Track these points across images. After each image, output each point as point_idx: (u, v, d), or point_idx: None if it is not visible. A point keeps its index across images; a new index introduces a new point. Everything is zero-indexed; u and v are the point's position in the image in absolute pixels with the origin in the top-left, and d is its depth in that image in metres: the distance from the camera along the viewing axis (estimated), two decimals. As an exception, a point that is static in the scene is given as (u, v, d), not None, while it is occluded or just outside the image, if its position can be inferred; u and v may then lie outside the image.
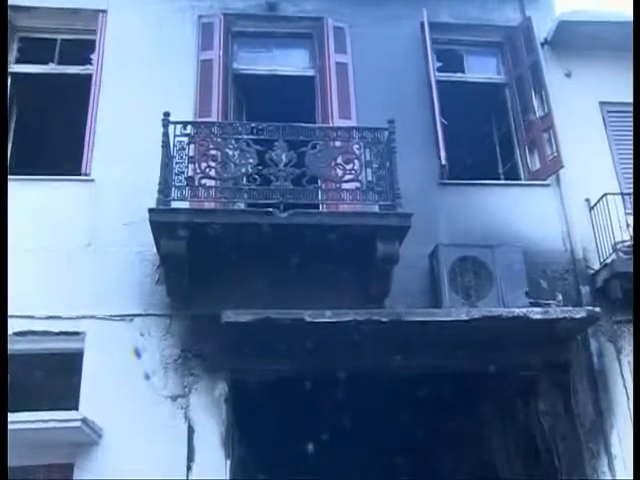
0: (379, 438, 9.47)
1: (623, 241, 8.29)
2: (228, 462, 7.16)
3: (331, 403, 8.16)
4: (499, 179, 9.55)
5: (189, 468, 7.06)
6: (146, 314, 7.52)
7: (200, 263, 7.25)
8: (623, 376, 8.07)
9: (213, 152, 7.35)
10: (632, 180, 8.60)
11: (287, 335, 7.06)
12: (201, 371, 7.36)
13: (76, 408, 6.96)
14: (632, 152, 8.62)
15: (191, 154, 7.29)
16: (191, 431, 7.18)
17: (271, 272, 7.42)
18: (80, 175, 8.15)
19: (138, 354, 7.27)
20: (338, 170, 7.45)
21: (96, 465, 6.90)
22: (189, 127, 7.39)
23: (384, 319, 7.10)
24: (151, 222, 6.95)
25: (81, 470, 6.89)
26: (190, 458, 7.09)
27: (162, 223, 6.96)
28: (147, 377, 7.26)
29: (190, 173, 7.24)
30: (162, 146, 7.16)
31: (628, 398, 7.95)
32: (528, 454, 8.60)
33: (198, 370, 7.37)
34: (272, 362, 7.31)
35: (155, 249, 7.35)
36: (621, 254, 8.22)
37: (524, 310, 7.46)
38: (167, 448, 7.06)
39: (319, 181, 7.53)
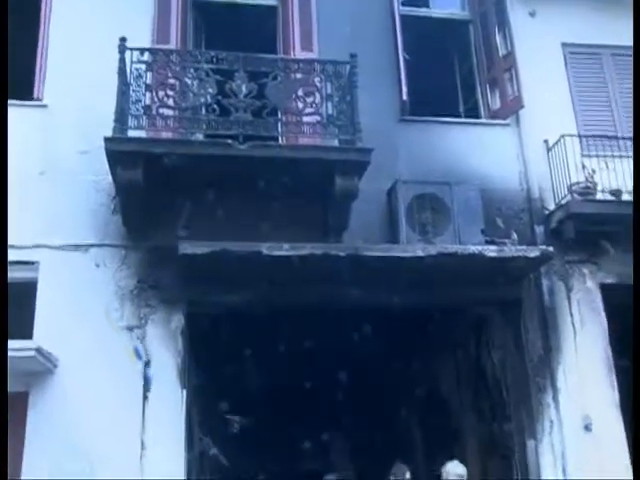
0: (332, 370, 9.62)
1: (578, 182, 8.41)
2: (184, 392, 7.22)
3: (286, 335, 8.26)
4: (460, 117, 9.53)
5: (145, 398, 7.11)
6: (101, 244, 7.43)
7: (157, 194, 7.14)
8: (572, 314, 8.29)
9: (171, 81, 7.18)
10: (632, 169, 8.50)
11: (244, 267, 7.06)
12: (157, 302, 7.35)
13: (31, 338, 6.91)
14: (632, 146, 8.54)
15: (148, 82, 7.11)
16: (147, 362, 7.20)
17: (229, 204, 7.38)
18: (32, 100, 7.90)
19: (138, 355, 7.21)
20: (299, 103, 7.36)
21: (51, 394, 6.92)
22: (146, 54, 7.19)
23: (341, 253, 7.13)
24: (107, 151, 6.81)
25: (36, 398, 6.90)
26: (146, 388, 7.14)
27: (118, 152, 6.82)
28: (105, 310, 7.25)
29: (147, 102, 7.07)
30: (118, 73, 6.96)
31: (575, 335, 8.20)
32: (478, 387, 8.86)
33: (154, 301, 7.36)
34: (229, 294, 7.31)
35: (111, 178, 7.22)
36: (576, 195, 8.35)
37: (479, 248, 7.57)
38: (123, 378, 7.09)
39: (279, 113, 7.44)
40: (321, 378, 9.70)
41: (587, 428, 7.82)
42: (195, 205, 7.41)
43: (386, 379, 9.99)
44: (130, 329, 7.26)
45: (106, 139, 6.74)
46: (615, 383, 8.05)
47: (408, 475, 6.89)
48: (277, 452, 10.11)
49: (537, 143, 8.78)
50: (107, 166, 7.04)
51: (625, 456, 7.76)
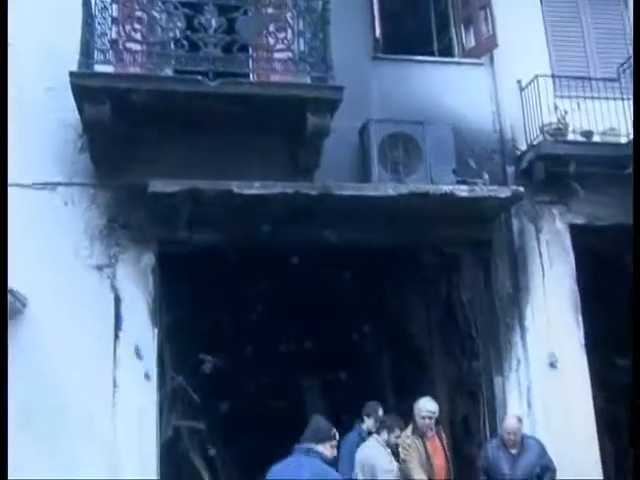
0: (303, 309, 9.68)
1: (550, 123, 8.40)
2: (156, 330, 7.26)
3: (258, 274, 8.27)
4: (433, 56, 9.42)
5: (116, 337, 7.12)
6: (70, 183, 7.32)
7: (125, 131, 7.01)
8: (541, 254, 8.39)
9: (138, 14, 6.99)
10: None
11: (215, 206, 7.02)
12: (127, 241, 7.30)
13: (-2, 277, 6.85)
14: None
15: (115, 15, 6.91)
16: (118, 300, 7.20)
17: (200, 142, 7.29)
18: (-4, 37, 7.65)
19: (139, 355, 7.15)
20: (270, 39, 7.21)
21: (21, 333, 6.87)
22: (111, -16, 6.96)
23: (312, 192, 7.11)
24: (72, 86, 6.64)
25: (5, 337, 6.87)
26: (117, 327, 7.15)
27: (84, 87, 6.66)
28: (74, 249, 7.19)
29: (114, 36, 6.89)
30: (82, 4, 6.75)
31: (544, 275, 8.31)
32: (448, 326, 9.00)
33: (124, 240, 7.30)
34: (200, 233, 7.30)
35: (78, 115, 7.06)
36: (547, 136, 8.35)
37: (451, 188, 7.59)
38: (94, 317, 7.09)
39: (250, 49, 7.30)
40: (292, 317, 9.78)
41: (552, 365, 8.00)
42: (165, 143, 7.29)
43: (357, 318, 10.10)
44: (100, 268, 7.22)
45: (71, 74, 6.57)
46: (581, 322, 8.22)
47: (381, 412, 7.01)
48: (248, 390, 10.22)
49: (511, 83, 8.73)
50: (74, 103, 6.87)
51: (587, 392, 7.98)
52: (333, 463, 4.93)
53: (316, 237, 7.52)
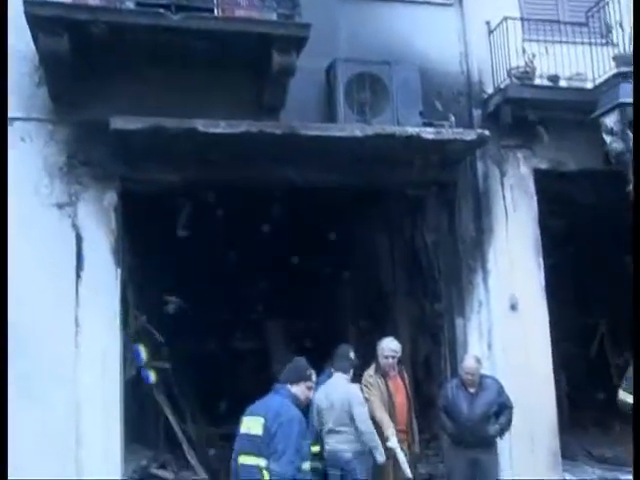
0: (268, 251, 9.68)
1: (518, 67, 8.35)
2: (119, 270, 7.17)
3: (222, 214, 8.20)
4: (402, -5, 9.26)
5: (78, 277, 7.04)
6: (27, 118, 7.09)
7: (85, 65, 6.80)
8: (505, 198, 8.42)
9: (99, -59, 6.71)
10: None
11: (179, 145, 6.90)
12: (89, 179, 7.14)
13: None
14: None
15: (72, -58, 6.63)
16: (80, 240, 7.08)
17: (163, 79, 7.11)
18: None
19: (138, 359, 7.11)
20: (235, -28, 7.01)
21: (-20, 273, 6.76)
22: None
23: (278, 132, 7.01)
24: (26, 15, 6.36)
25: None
26: (79, 267, 7.05)
27: (39, 17, 6.39)
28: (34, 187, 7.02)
29: (72, -37, 6.61)
30: None
31: (507, 219, 8.37)
32: (412, 269, 9.08)
33: (86, 178, 7.14)
34: (163, 172, 7.18)
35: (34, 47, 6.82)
36: (515, 80, 8.31)
37: (417, 130, 7.54)
38: (55, 257, 6.99)
39: (215, -17, 7.08)
40: (257, 259, 9.77)
41: (513, 307, 8.12)
42: (126, 78, 7.08)
43: (321, 260, 10.13)
44: (60, 206, 7.07)
45: (25, 2, 6.29)
46: (542, 265, 8.33)
47: (352, 355, 7.05)
48: (212, 332, 10.28)
49: (479, 25, 8.60)
50: (29, 34, 6.62)
51: (546, 333, 8.15)
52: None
53: (281, 177, 7.46)
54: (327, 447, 6.43)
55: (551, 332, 8.18)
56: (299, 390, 4.77)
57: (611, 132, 7.41)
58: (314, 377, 5.18)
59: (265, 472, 4.52)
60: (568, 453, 8.85)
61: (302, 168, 7.37)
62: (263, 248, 9.52)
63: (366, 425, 6.36)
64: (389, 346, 6.94)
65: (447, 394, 7.10)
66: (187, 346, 9.68)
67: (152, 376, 8.46)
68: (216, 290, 10.05)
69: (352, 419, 6.33)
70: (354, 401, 6.39)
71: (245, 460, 4.57)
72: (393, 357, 6.90)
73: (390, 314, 9.46)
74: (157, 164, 7.12)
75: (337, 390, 6.53)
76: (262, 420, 4.59)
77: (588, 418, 10.88)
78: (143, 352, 8.13)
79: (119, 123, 6.66)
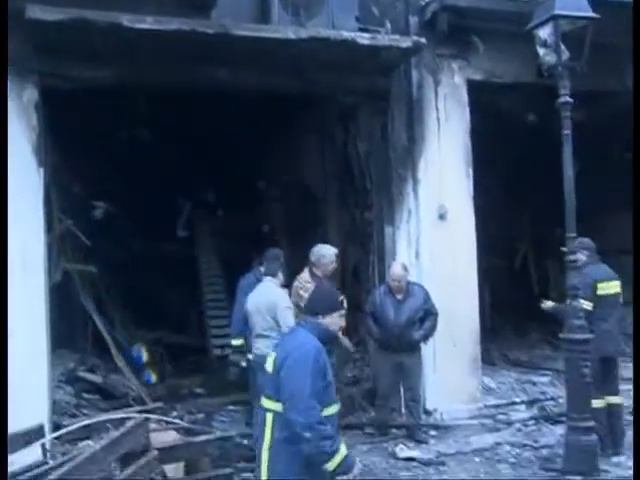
0: (200, 153, 9.49)
1: (455, -27, 8.18)
2: (41, 170, 6.90)
3: (150, 116, 7.95)
4: None
5: (0, 177, 6.73)
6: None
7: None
8: (437, 108, 8.38)
9: None
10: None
11: (104, 41, 6.55)
12: (6, 73, 6.76)
13: None
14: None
15: None
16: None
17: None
18: None
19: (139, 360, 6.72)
20: None
21: None
22: None
23: (209, 31, 6.72)
24: None
25: None
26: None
27: None
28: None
29: None
30: None
31: (439, 129, 8.36)
32: (343, 177, 9.08)
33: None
34: (87, 69, 6.83)
35: None
36: (453, -13, 8.16)
37: (352, 34, 7.37)
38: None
39: None
40: (187, 162, 9.58)
41: (442, 217, 8.21)
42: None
43: (251, 165, 10.01)
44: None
45: None
46: (471, 176, 8.42)
47: (282, 259, 7.07)
48: (139, 234, 10.11)
49: None
50: None
51: (473, 244, 8.30)
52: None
53: (211, 79, 7.23)
54: (256, 351, 6.52)
55: (477, 244, 8.34)
56: (332, 321, 3.98)
57: (545, 44, 7.37)
58: (345, 303, 4.76)
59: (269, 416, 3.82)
60: (488, 358, 9.27)
61: (233, 70, 7.15)
62: (194, 152, 9.30)
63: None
64: (320, 252, 7.04)
65: (375, 300, 7.27)
66: (116, 251, 9.55)
67: (153, 377, 8.48)
68: (143, 194, 9.84)
69: (278, 323, 6.41)
70: (280, 305, 6.45)
71: (264, 403, 3.87)
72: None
73: (321, 222, 9.50)
74: (81, 60, 6.75)
75: (264, 294, 6.58)
76: (274, 356, 3.92)
77: (508, 326, 11.37)
78: (144, 352, 8.03)
79: (37, 12, 6.23)
